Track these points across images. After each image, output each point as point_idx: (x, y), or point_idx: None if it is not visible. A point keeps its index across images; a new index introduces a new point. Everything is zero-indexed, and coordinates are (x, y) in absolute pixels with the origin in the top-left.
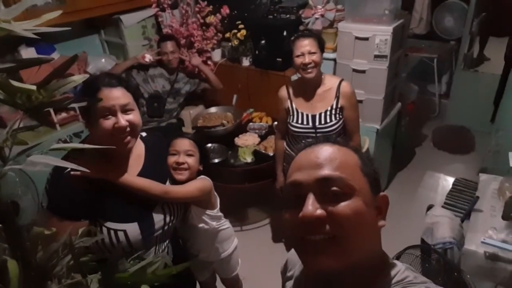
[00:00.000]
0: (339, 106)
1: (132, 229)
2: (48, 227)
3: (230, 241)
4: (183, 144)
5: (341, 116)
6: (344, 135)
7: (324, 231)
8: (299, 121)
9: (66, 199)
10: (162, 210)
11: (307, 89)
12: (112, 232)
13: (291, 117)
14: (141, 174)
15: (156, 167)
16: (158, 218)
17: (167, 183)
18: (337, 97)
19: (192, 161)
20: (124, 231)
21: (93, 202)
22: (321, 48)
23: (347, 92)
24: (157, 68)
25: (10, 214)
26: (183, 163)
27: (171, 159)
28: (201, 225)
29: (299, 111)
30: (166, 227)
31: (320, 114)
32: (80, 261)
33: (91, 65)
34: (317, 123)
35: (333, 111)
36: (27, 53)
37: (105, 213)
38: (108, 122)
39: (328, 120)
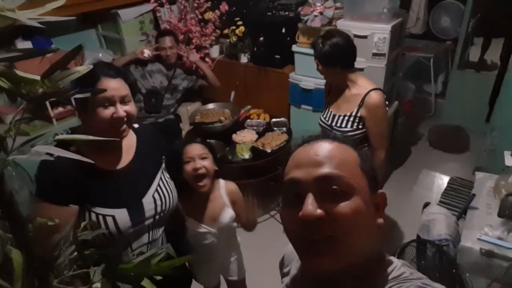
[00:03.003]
0: (359, 115)
1: (121, 215)
2: (37, 213)
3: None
4: (195, 149)
5: (361, 126)
6: (368, 147)
7: (324, 231)
8: (323, 116)
9: (54, 184)
10: (153, 198)
11: (337, 88)
12: (100, 217)
13: (324, 110)
14: (133, 162)
15: (148, 156)
16: (148, 207)
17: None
18: (360, 106)
19: (207, 163)
20: (113, 217)
21: (81, 187)
22: (329, 62)
23: (370, 104)
24: (155, 63)
25: (14, 204)
26: (200, 168)
27: (188, 167)
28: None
29: (328, 106)
30: (157, 217)
31: (339, 116)
32: (83, 253)
33: (88, 60)
34: (333, 124)
35: (352, 118)
36: (24, 46)
37: (94, 198)
38: (107, 112)
39: (343, 125)
